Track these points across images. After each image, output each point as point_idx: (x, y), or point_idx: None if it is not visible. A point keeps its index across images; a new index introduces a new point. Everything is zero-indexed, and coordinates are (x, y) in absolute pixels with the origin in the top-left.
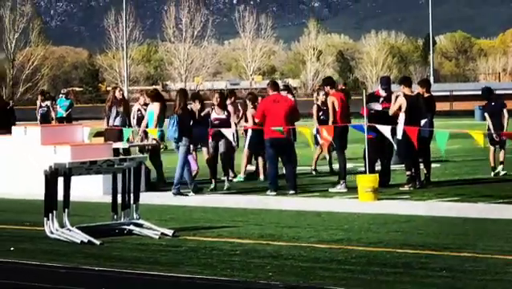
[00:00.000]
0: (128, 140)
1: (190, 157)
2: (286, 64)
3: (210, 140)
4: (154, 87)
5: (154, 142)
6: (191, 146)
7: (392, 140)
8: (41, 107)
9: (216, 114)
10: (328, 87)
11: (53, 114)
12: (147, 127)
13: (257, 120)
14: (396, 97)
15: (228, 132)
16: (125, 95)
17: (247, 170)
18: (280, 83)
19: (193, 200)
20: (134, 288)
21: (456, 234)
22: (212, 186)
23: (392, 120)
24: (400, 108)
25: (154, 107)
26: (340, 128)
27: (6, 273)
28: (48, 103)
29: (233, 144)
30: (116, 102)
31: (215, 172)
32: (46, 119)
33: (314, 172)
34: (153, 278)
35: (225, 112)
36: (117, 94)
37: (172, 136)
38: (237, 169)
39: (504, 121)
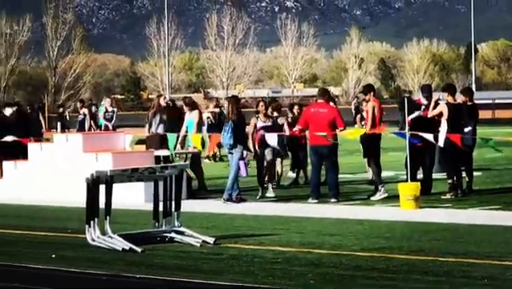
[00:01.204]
0: (174, 147)
1: (241, 163)
2: (327, 72)
3: (257, 148)
4: (190, 95)
5: (195, 150)
6: (244, 152)
7: (434, 147)
8: (79, 114)
9: (262, 122)
10: (369, 94)
11: (93, 121)
12: (186, 135)
13: (300, 127)
14: (436, 103)
15: (273, 140)
16: (168, 102)
17: (288, 177)
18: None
19: (234, 208)
20: None
21: (497, 242)
22: (260, 194)
23: (434, 128)
24: (441, 115)
25: (193, 116)
26: (375, 134)
27: (48, 280)
28: (85, 110)
29: (281, 151)
30: (161, 110)
31: (262, 180)
32: (83, 126)
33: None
34: (195, 285)
35: (271, 120)
36: (161, 101)
37: (227, 143)
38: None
39: None
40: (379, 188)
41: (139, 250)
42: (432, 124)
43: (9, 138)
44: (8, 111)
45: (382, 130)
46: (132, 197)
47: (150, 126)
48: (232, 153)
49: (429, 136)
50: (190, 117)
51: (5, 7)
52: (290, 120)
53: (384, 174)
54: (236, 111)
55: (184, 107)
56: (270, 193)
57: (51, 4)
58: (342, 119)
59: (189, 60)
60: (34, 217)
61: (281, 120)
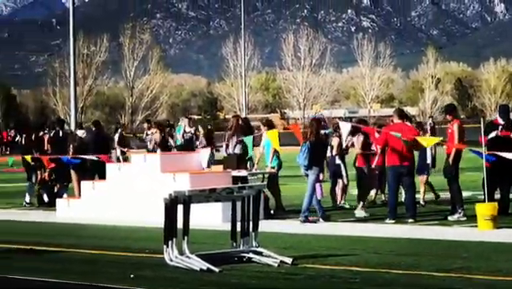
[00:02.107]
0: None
1: (317, 185)
2: (404, 92)
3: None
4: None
5: (272, 170)
6: (320, 174)
7: None
8: (147, 134)
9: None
10: (451, 114)
11: (172, 142)
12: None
13: (379, 146)
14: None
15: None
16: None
17: (368, 198)
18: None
19: (311, 228)
20: None
21: None
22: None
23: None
24: None
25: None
26: (456, 154)
27: None
28: (153, 130)
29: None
30: (238, 130)
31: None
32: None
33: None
34: None
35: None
36: (240, 122)
37: (301, 163)
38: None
39: None
40: (459, 210)
41: (216, 270)
42: (510, 144)
43: (85, 157)
44: (80, 132)
45: (462, 147)
46: (209, 217)
47: (227, 146)
48: (307, 174)
49: (507, 156)
50: (267, 138)
51: (82, 28)
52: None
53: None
54: (315, 132)
55: (262, 127)
56: (360, 213)
57: (128, 24)
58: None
59: (266, 80)
60: (112, 238)
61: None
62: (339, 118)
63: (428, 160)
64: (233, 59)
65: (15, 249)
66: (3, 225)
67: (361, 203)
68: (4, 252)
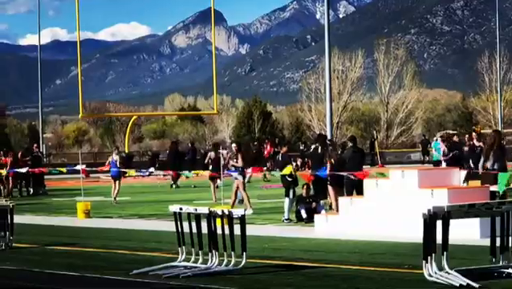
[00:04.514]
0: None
1: None
2: None
3: None
4: None
5: None
6: None
7: None
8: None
9: None
10: None
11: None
12: None
13: None
14: None
15: None
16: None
17: None
18: None
19: None
20: None
21: None
22: None
23: None
24: None
25: None
26: None
27: None
28: None
29: None
30: (499, 146)
31: None
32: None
33: None
34: None
35: None
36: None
37: None
38: None
39: None
40: None
41: (476, 285)
42: None
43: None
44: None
45: None
46: (466, 232)
47: (485, 161)
48: None
49: None
50: None
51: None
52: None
53: None
54: None
55: None
56: None
57: (383, 40)
58: None
59: None
60: (371, 253)
61: None
62: None
63: None
64: (489, 74)
65: (274, 264)
66: (263, 240)
67: None
68: (263, 267)
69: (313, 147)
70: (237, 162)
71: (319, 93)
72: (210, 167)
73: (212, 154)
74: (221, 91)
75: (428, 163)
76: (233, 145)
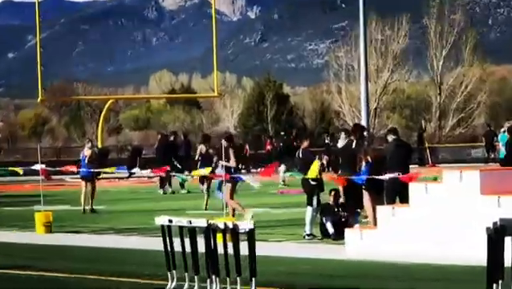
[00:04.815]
0: None
1: None
2: None
3: None
4: None
5: None
6: None
7: None
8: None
9: None
10: None
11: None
12: None
13: None
14: None
15: None
16: None
17: None
18: None
19: None
20: None
21: None
22: None
23: None
24: None
25: None
26: None
27: None
28: None
29: None
30: None
31: None
32: None
33: None
34: None
35: None
36: None
37: None
38: None
39: None
40: None
41: None
42: None
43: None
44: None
45: None
46: None
47: None
48: None
49: None
50: None
51: (375, 7)
52: None
53: None
54: None
55: None
56: None
57: (434, 2)
58: None
59: None
60: (421, 279)
61: None
62: None
63: None
64: None
65: None
66: (277, 262)
67: None
68: None
69: (341, 140)
70: (228, 161)
71: (352, 70)
72: (199, 164)
73: (202, 148)
74: (223, 68)
75: (493, 161)
76: (223, 141)
